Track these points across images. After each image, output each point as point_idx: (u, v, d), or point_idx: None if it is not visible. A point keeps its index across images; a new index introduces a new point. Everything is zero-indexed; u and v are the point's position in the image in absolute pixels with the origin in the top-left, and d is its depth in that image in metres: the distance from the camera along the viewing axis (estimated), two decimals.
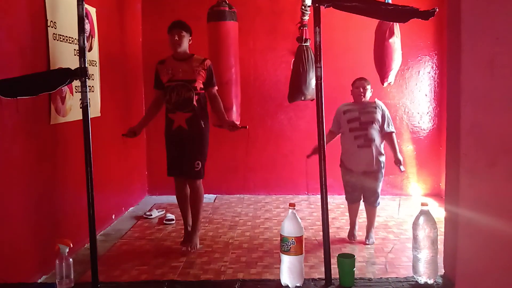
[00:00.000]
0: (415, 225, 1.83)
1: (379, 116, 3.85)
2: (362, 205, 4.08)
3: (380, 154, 3.88)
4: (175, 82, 3.73)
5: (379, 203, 4.00)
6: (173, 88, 3.73)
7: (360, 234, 4.07)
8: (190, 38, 3.83)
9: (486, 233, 1.76)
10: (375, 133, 3.83)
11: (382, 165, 3.90)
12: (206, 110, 3.88)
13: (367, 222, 4.05)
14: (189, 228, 3.94)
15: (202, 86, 3.77)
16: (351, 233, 4.05)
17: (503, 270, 1.77)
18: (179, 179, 3.91)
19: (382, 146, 3.90)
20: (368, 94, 3.90)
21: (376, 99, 3.98)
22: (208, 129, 3.88)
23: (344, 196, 4.10)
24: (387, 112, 3.92)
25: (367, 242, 3.95)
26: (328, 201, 1.96)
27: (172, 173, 3.90)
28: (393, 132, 3.92)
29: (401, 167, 3.85)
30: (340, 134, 4.00)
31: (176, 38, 3.74)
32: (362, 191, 3.97)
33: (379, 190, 3.96)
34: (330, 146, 3.85)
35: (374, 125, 3.83)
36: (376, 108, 3.86)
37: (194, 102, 3.72)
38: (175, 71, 3.75)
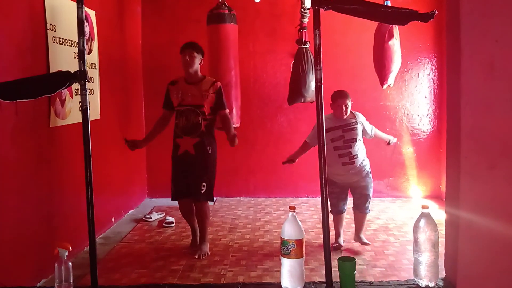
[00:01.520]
0: (416, 227, 1.83)
1: (360, 131, 3.86)
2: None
3: (364, 162, 3.88)
4: (184, 107, 3.75)
5: (369, 210, 3.95)
6: (182, 113, 3.76)
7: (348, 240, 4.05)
8: (202, 58, 3.84)
9: (487, 236, 1.75)
10: (357, 148, 3.82)
11: (368, 170, 3.89)
12: (214, 135, 3.90)
13: (355, 227, 3.99)
14: (198, 235, 3.96)
15: (210, 111, 3.78)
16: (336, 243, 3.95)
17: (504, 273, 1.77)
18: (183, 202, 3.90)
19: (365, 154, 3.91)
20: (349, 109, 3.83)
21: (353, 112, 3.90)
22: (216, 154, 3.90)
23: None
24: (365, 122, 3.94)
25: (361, 242, 3.91)
26: (329, 204, 1.95)
27: (176, 197, 3.90)
28: (374, 131, 3.98)
29: (393, 141, 4.10)
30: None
31: (188, 58, 3.76)
32: (346, 201, 3.95)
33: (370, 195, 3.92)
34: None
35: (357, 141, 3.83)
36: (357, 124, 3.85)
37: (203, 128, 3.74)
38: (184, 95, 3.77)
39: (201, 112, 3.73)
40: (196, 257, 3.76)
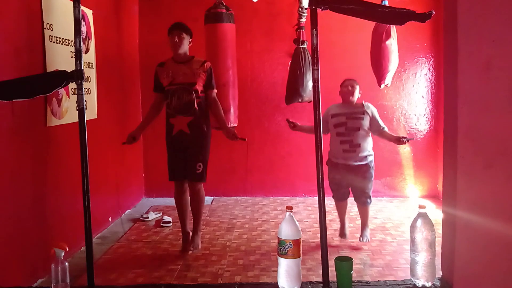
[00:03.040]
0: (412, 227, 1.83)
1: (366, 122, 3.81)
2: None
3: (368, 154, 3.87)
4: (175, 86, 3.72)
5: (370, 202, 3.96)
6: (173, 92, 3.71)
7: (353, 231, 4.07)
8: (190, 40, 3.83)
9: (484, 236, 1.76)
10: (361, 138, 3.81)
11: (371, 164, 3.87)
12: (207, 113, 3.87)
13: (361, 221, 4.03)
14: (188, 232, 3.94)
15: (202, 89, 3.77)
16: (342, 232, 4.04)
17: (501, 273, 1.77)
18: (180, 183, 3.89)
19: (370, 147, 3.88)
20: (356, 94, 3.84)
21: (364, 102, 3.91)
22: (210, 132, 3.88)
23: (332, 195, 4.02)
24: (376, 115, 3.87)
25: (360, 240, 3.94)
26: (326, 203, 1.95)
27: (174, 177, 3.88)
28: (383, 130, 3.87)
29: (406, 137, 3.79)
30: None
31: (176, 39, 3.74)
32: (348, 188, 3.95)
33: (370, 190, 3.93)
34: (325, 148, 3.87)
35: (360, 131, 3.80)
36: (364, 114, 3.82)
37: (195, 106, 3.71)
38: (175, 74, 3.73)
39: (194, 91, 3.70)
40: (191, 249, 3.77)
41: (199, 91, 3.74)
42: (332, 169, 3.94)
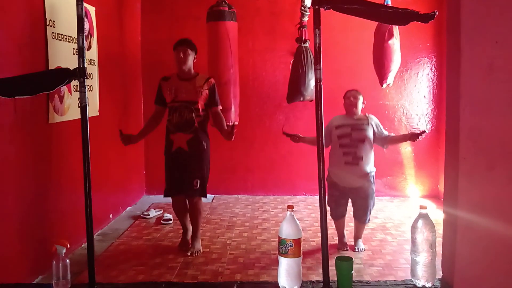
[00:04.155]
0: (413, 228, 1.83)
1: (370, 133, 3.76)
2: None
3: (370, 170, 3.78)
4: (177, 103, 3.73)
5: (368, 221, 3.90)
6: (175, 109, 3.73)
7: (350, 240, 3.99)
8: (195, 56, 3.83)
9: (485, 237, 1.76)
10: (364, 151, 3.73)
11: (372, 180, 3.79)
12: (207, 131, 3.87)
13: (354, 233, 3.95)
14: (188, 237, 3.96)
15: (204, 107, 3.77)
16: (341, 244, 3.92)
17: (502, 275, 1.77)
18: (177, 198, 3.90)
19: (372, 162, 3.80)
20: (360, 104, 3.79)
21: (367, 114, 3.85)
22: (209, 150, 3.87)
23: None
24: (379, 124, 3.82)
25: (355, 250, 3.85)
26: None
27: (170, 194, 3.88)
28: (389, 136, 3.81)
29: (419, 132, 3.59)
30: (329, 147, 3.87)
31: (181, 55, 3.74)
32: (346, 206, 3.87)
33: (371, 208, 3.84)
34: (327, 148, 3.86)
35: (365, 143, 3.74)
36: (368, 125, 3.76)
37: (196, 124, 3.72)
38: (178, 92, 3.75)
39: (195, 109, 3.71)
40: (189, 254, 3.76)
41: (201, 110, 3.75)
42: (331, 187, 3.82)
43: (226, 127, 3.79)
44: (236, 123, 3.67)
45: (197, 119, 3.72)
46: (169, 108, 3.79)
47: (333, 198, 3.83)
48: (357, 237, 3.93)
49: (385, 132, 3.82)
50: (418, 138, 3.59)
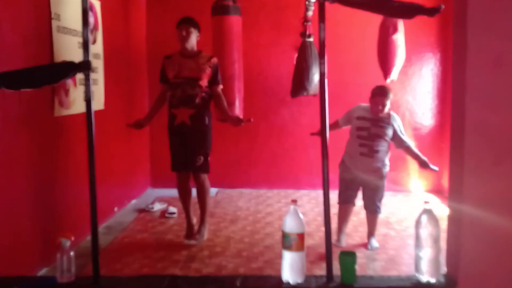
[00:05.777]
0: (417, 223, 1.83)
1: (390, 132, 3.72)
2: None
3: (383, 165, 3.76)
4: (180, 79, 3.73)
5: (380, 211, 3.83)
6: (178, 85, 3.73)
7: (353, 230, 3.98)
8: (198, 34, 3.83)
9: (490, 233, 1.75)
10: (381, 146, 3.71)
11: (384, 174, 3.77)
12: (209, 107, 3.89)
13: (368, 229, 3.89)
14: (193, 222, 3.98)
15: (207, 84, 3.77)
16: (338, 239, 3.86)
17: (508, 270, 1.77)
18: (182, 174, 3.91)
19: (387, 158, 3.78)
20: (386, 109, 3.73)
21: (391, 112, 3.80)
22: (211, 126, 3.89)
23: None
24: (401, 128, 3.76)
25: (369, 248, 3.80)
26: (330, 196, 1.95)
27: (175, 168, 3.91)
28: (408, 146, 3.75)
29: (432, 166, 3.62)
30: (348, 134, 3.87)
31: (184, 33, 3.74)
32: (356, 192, 3.83)
33: (380, 200, 3.80)
34: (333, 141, 3.85)
35: (382, 139, 3.71)
36: (389, 124, 3.72)
37: (198, 100, 3.73)
38: (181, 68, 3.75)
39: (198, 85, 3.72)
40: (187, 242, 3.81)
41: (203, 86, 3.75)
42: (343, 171, 3.83)
43: (226, 107, 3.84)
44: (252, 120, 3.68)
45: (200, 95, 3.73)
46: (171, 84, 3.78)
47: (344, 181, 3.83)
48: (370, 233, 3.87)
49: (404, 138, 3.77)
50: (428, 168, 3.64)
